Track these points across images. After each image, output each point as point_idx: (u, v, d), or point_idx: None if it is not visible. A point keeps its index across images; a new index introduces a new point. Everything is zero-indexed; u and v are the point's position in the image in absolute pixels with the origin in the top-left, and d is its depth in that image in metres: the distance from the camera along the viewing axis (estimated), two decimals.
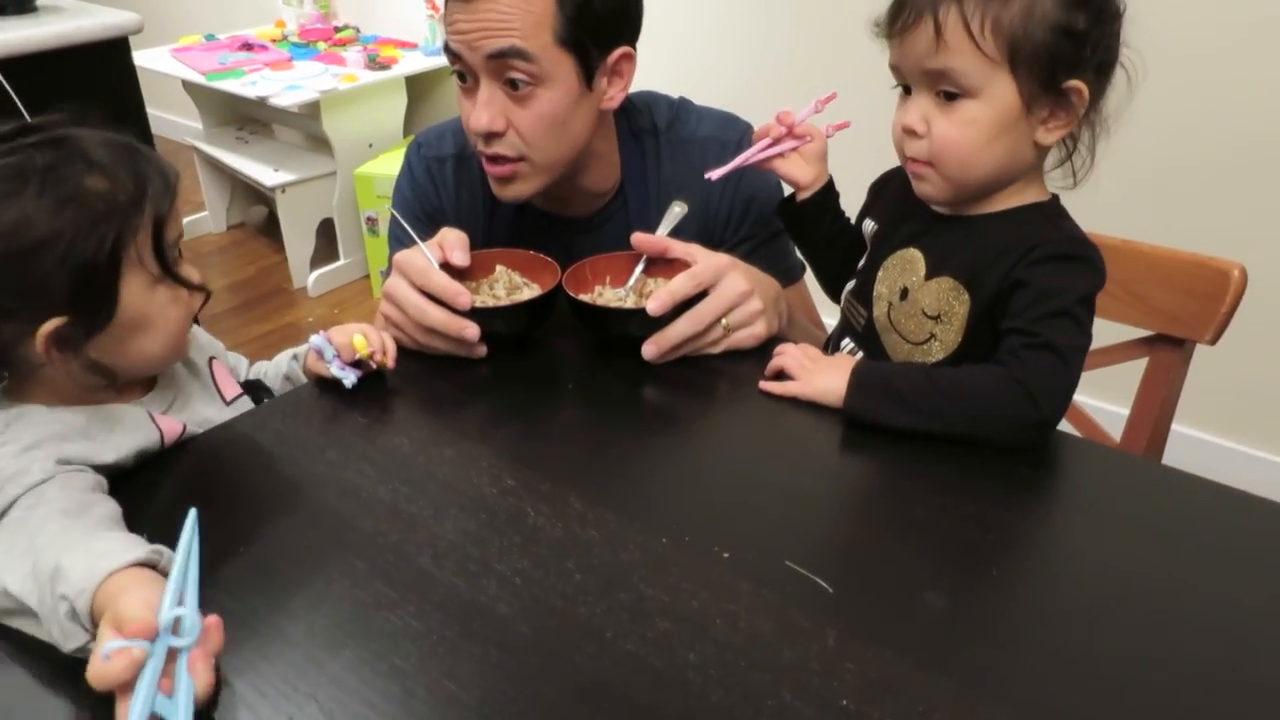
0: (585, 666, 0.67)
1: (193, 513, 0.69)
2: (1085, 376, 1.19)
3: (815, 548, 0.78)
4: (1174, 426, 1.21)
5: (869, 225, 1.04)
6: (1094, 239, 1.13)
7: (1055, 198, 0.93)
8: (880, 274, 0.99)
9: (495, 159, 1.10)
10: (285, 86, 2.89)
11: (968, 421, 0.86)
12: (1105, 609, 0.71)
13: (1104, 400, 1.87)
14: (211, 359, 1.03)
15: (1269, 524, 0.81)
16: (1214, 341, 1.10)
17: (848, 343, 1.04)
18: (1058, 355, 0.84)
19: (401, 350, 1.02)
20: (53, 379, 0.84)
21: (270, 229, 3.46)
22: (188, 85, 3.28)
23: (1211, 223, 1.90)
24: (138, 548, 0.68)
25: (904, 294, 0.96)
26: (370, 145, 3.09)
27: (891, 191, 1.01)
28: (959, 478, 0.85)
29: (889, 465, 0.88)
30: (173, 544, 0.68)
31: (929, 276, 0.94)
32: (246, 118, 3.56)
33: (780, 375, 0.97)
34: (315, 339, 0.99)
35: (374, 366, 1.00)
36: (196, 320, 0.96)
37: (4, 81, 1.67)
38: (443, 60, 1.15)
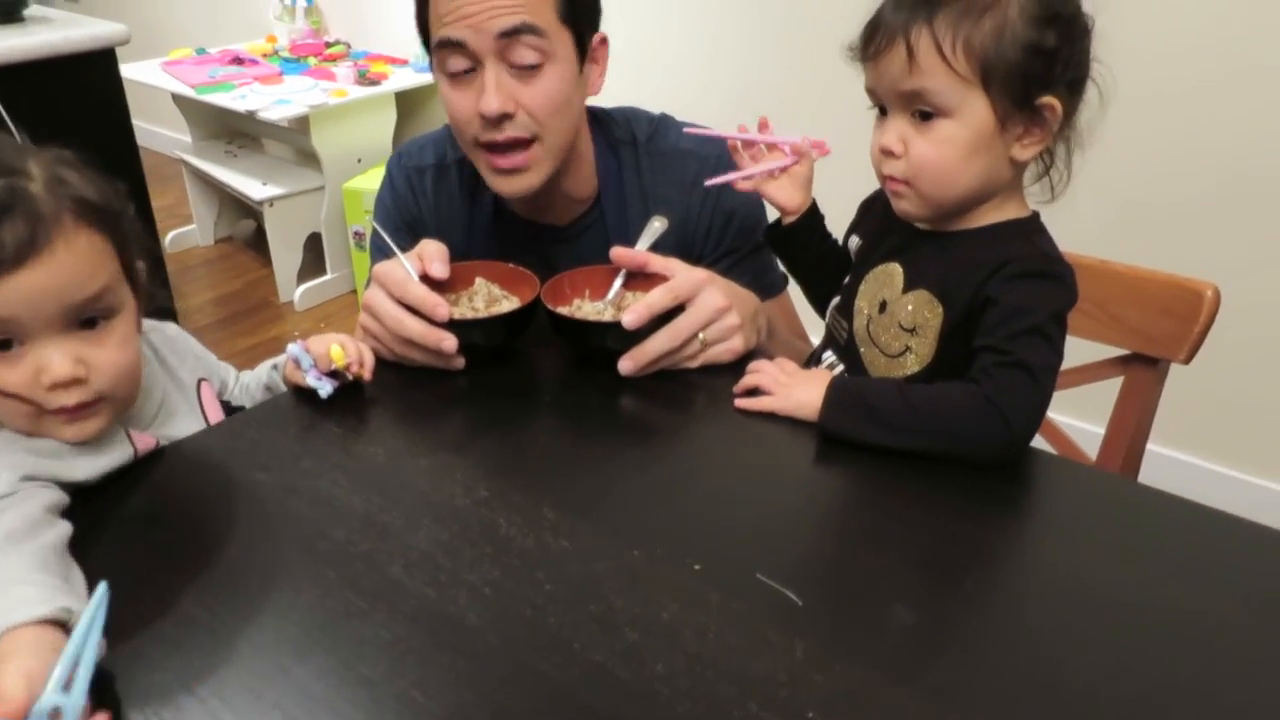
0: (553, 677, 0.66)
1: (102, 586, 0.64)
2: (1062, 395, 1.20)
3: (787, 561, 0.78)
4: (1150, 446, 1.21)
5: (854, 241, 1.05)
6: (1070, 258, 1.14)
7: (1035, 214, 0.94)
8: (861, 288, 1.00)
9: (506, 147, 1.10)
10: (275, 101, 2.90)
11: (941, 439, 0.87)
12: (1075, 625, 0.71)
13: (1080, 419, 1.87)
14: (201, 380, 1.03)
15: (1240, 541, 0.81)
16: (1188, 360, 1.11)
17: (829, 355, 1.05)
18: (1029, 374, 0.84)
19: (380, 361, 1.02)
20: None
21: (258, 243, 3.46)
22: (177, 98, 3.29)
23: (1187, 245, 1.93)
24: (46, 603, 0.64)
25: (882, 307, 0.97)
26: (359, 160, 3.10)
27: (878, 209, 1.02)
28: (931, 492, 0.85)
29: (862, 479, 0.88)
30: (137, 562, 0.66)
31: (906, 290, 0.95)
32: (236, 131, 3.57)
33: (755, 391, 0.97)
34: (292, 347, 0.99)
35: (350, 378, 0.99)
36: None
37: None
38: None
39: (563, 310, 1.05)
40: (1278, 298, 1.89)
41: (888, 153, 0.90)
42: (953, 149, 0.87)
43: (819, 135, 1.04)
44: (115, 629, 0.65)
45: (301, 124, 2.94)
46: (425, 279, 1.03)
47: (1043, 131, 0.87)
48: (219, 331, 3.03)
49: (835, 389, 0.91)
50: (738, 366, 1.03)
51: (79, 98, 1.92)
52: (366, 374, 0.99)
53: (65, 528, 0.76)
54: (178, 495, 0.88)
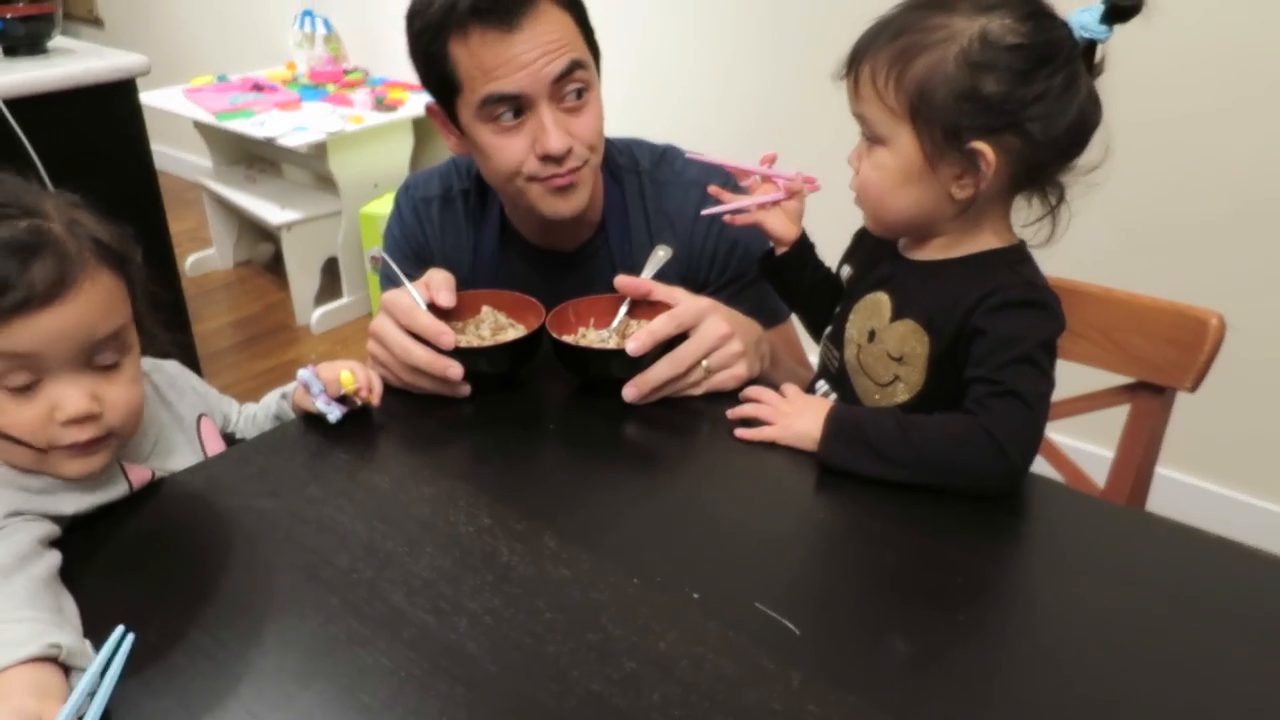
0: (550, 706, 0.67)
1: (119, 631, 0.66)
2: (1070, 421, 1.21)
3: (786, 590, 0.79)
4: (1159, 470, 1.21)
5: (846, 270, 1.06)
6: (1073, 286, 1.15)
7: (1020, 244, 0.94)
8: (851, 317, 1.01)
9: (564, 173, 1.13)
10: (293, 127, 2.94)
11: (939, 473, 0.87)
12: (1073, 656, 0.71)
13: (1089, 443, 1.88)
14: (200, 416, 1.04)
15: (1244, 571, 0.81)
16: (1194, 389, 1.11)
17: (822, 384, 1.06)
18: (1023, 402, 0.84)
19: (388, 388, 1.04)
20: None
21: (276, 266, 3.50)
22: (198, 124, 3.34)
23: (1192, 274, 1.93)
24: (35, 639, 0.65)
25: (871, 336, 0.98)
26: (375, 185, 3.13)
27: (869, 239, 1.03)
28: (930, 521, 0.85)
29: (862, 508, 0.89)
30: (140, 588, 0.67)
31: (893, 319, 0.96)
32: (255, 157, 3.62)
33: (755, 420, 0.98)
34: (303, 373, 1.00)
35: (359, 403, 1.01)
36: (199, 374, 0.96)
37: (12, 120, 1.71)
38: None
39: (567, 338, 1.06)
40: None
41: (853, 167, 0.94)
42: (884, 175, 0.90)
43: (830, 166, 1.06)
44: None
45: (319, 150, 2.98)
46: (433, 307, 1.05)
47: (976, 176, 0.87)
48: (237, 354, 3.07)
49: (833, 421, 0.91)
50: (740, 393, 1.04)
51: (100, 126, 1.95)
52: (375, 399, 1.01)
53: (54, 558, 0.77)
54: (184, 522, 0.89)
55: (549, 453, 1.01)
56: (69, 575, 0.78)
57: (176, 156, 4.38)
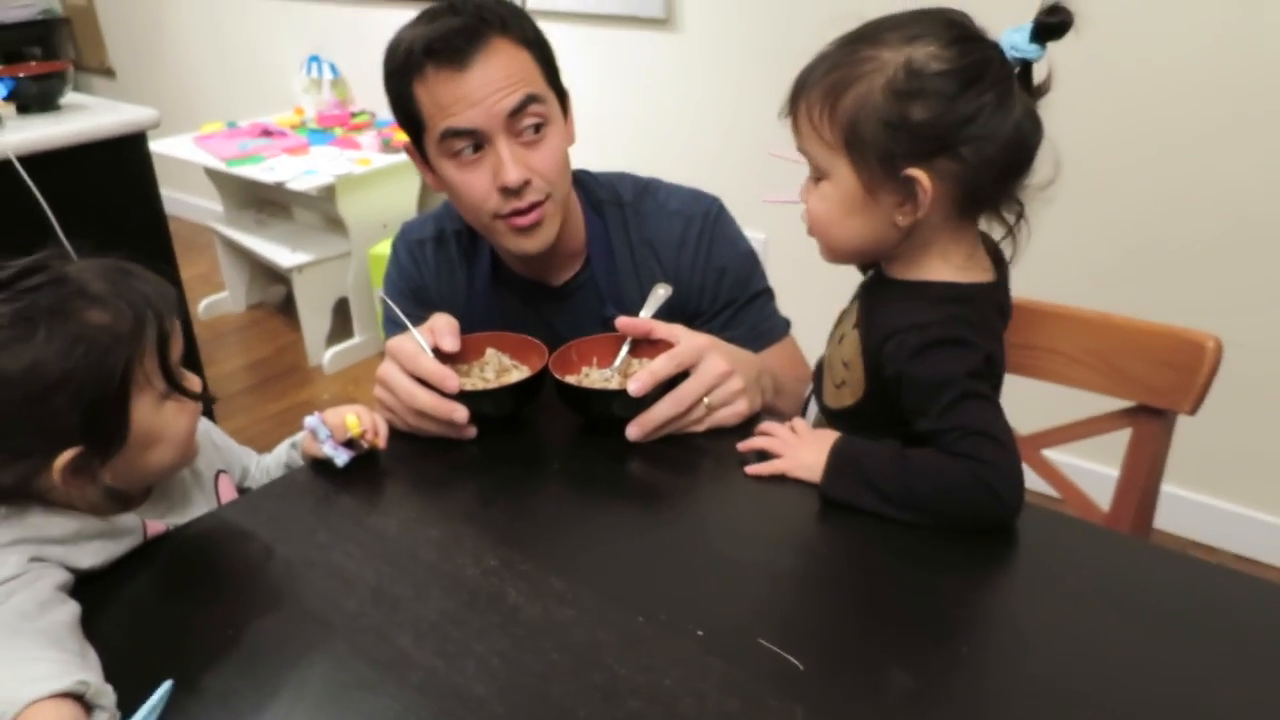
0: None
1: (167, 686, 0.68)
2: (1074, 444, 1.22)
3: (789, 625, 0.80)
4: (1164, 487, 1.21)
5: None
6: (1071, 313, 1.17)
7: (969, 284, 0.93)
8: (842, 317, 1.05)
9: (525, 208, 1.15)
10: (302, 171, 2.99)
11: (936, 516, 0.87)
12: (1077, 688, 0.72)
13: (1092, 461, 1.88)
14: (219, 473, 1.06)
15: (1247, 599, 0.81)
16: (1193, 411, 1.11)
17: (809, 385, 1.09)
18: (991, 440, 0.86)
19: (394, 431, 1.06)
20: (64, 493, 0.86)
21: (288, 308, 3.54)
22: (209, 170, 3.39)
23: (1191, 290, 1.93)
24: (63, 676, 0.67)
25: (841, 339, 1.02)
26: (384, 225, 3.17)
27: None
28: (931, 554, 0.86)
29: (865, 542, 0.89)
30: (153, 636, 0.69)
31: (854, 327, 1.00)
32: (266, 200, 3.67)
33: (766, 453, 0.99)
34: (310, 420, 1.02)
35: (365, 446, 1.03)
36: (212, 418, 0.99)
37: (25, 176, 1.74)
38: None
39: (570, 379, 1.08)
40: None
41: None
42: (829, 207, 0.92)
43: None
44: (130, 700, 0.68)
45: (328, 192, 3.02)
46: (437, 352, 1.07)
47: (914, 204, 0.88)
48: (250, 396, 3.09)
49: (835, 455, 0.93)
50: (744, 429, 1.05)
51: (112, 178, 1.99)
52: (381, 443, 1.03)
53: (75, 607, 0.79)
54: (194, 570, 0.91)
55: (554, 492, 1.02)
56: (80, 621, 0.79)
57: (188, 201, 4.44)
